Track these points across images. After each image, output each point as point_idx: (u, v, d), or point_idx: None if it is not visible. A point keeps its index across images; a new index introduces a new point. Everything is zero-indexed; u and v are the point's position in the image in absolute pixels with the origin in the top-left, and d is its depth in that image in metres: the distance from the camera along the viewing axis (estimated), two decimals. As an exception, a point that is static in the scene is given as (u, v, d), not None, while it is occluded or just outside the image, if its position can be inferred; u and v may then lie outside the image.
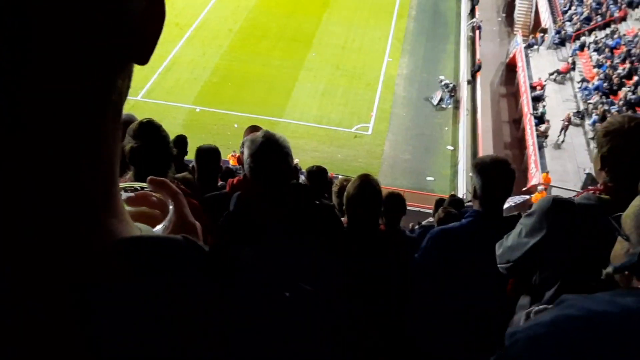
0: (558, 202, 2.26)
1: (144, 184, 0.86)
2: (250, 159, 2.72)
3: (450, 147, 24.20)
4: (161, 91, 25.08)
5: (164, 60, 26.92)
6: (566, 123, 23.03)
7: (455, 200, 7.52)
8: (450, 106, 26.31)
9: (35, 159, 0.44)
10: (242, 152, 3.59)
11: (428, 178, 22.37)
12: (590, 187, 2.36)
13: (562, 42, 29.44)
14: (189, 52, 27.87)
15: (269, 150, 2.71)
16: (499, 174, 3.11)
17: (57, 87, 0.44)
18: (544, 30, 30.59)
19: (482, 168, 3.13)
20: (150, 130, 2.83)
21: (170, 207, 0.83)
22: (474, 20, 32.99)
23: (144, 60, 0.51)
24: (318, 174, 5.13)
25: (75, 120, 0.46)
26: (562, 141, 23.07)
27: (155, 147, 2.80)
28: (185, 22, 30.01)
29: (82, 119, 0.47)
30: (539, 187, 19.55)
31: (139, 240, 0.53)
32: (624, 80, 24.09)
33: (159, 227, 0.80)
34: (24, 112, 0.42)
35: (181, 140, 6.24)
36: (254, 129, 4.01)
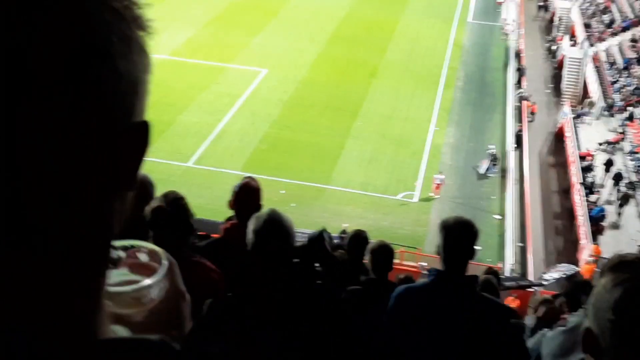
0: None
1: (138, 242, 0.96)
2: (253, 235, 2.78)
3: (498, 217, 23.93)
4: (211, 158, 25.79)
5: (214, 129, 27.80)
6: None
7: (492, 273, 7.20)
8: (496, 175, 26.17)
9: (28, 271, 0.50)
10: (233, 196, 3.89)
11: (475, 247, 22.04)
12: None
13: (610, 113, 29.21)
14: (239, 121, 28.72)
15: (272, 230, 2.76)
16: (461, 234, 3.18)
17: (48, 218, 0.51)
18: (591, 104, 30.53)
19: (445, 228, 3.19)
20: (173, 198, 2.97)
21: (162, 270, 0.92)
22: (521, 90, 33.13)
23: (129, 188, 0.59)
24: (358, 239, 5.18)
25: (64, 243, 0.52)
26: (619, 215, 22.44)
27: (175, 213, 2.91)
28: (236, 92, 31.04)
29: (72, 245, 0.53)
30: (590, 259, 19.06)
31: (112, 342, 0.59)
32: (676, 151, 23.67)
33: (151, 279, 0.89)
34: (28, 233, 0.50)
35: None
36: (248, 179, 4.20)
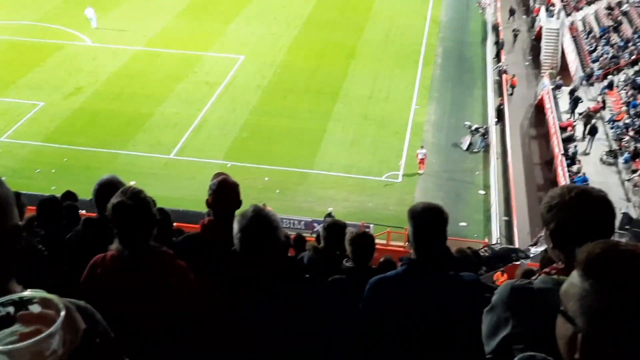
0: (516, 290, 2.11)
1: (27, 293, 0.93)
2: (240, 234, 2.77)
3: (482, 192, 24.00)
4: (193, 149, 25.58)
5: (195, 119, 27.57)
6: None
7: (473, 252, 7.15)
8: (481, 150, 26.21)
9: None
10: (211, 194, 3.84)
11: (461, 224, 22.08)
12: (552, 266, 2.20)
13: (589, 82, 29.29)
14: (218, 110, 28.50)
15: (258, 225, 2.76)
16: (431, 221, 3.09)
17: None
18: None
19: (413, 216, 3.11)
20: (133, 193, 2.99)
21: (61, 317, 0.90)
22: (500, 64, 33.13)
23: None
24: (334, 229, 5.14)
25: None
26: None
27: (137, 207, 2.94)
28: (214, 81, 30.78)
29: None
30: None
31: None
32: (655, 116, 23.80)
33: (52, 328, 0.88)
34: None
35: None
36: (219, 175, 4.17)
